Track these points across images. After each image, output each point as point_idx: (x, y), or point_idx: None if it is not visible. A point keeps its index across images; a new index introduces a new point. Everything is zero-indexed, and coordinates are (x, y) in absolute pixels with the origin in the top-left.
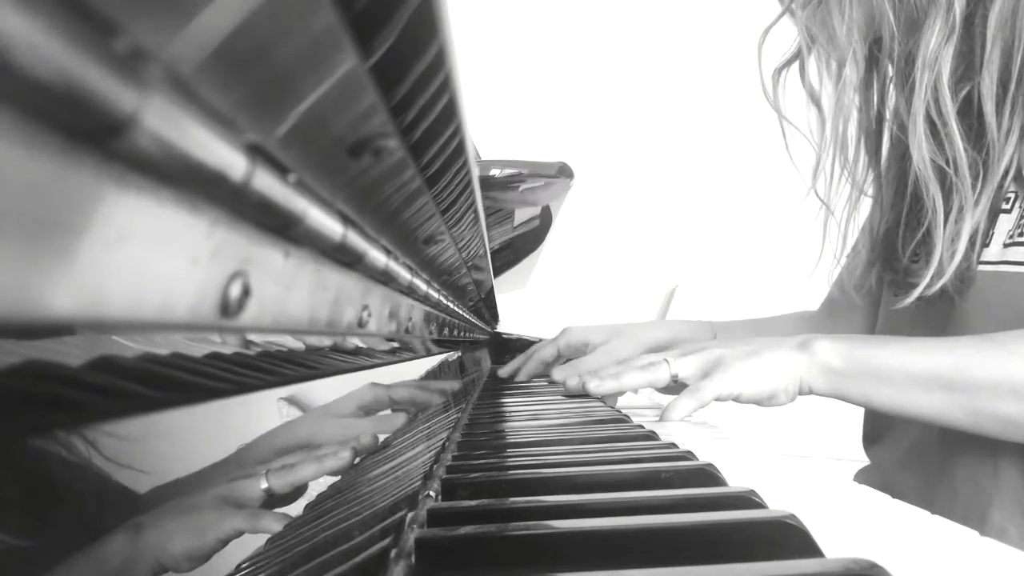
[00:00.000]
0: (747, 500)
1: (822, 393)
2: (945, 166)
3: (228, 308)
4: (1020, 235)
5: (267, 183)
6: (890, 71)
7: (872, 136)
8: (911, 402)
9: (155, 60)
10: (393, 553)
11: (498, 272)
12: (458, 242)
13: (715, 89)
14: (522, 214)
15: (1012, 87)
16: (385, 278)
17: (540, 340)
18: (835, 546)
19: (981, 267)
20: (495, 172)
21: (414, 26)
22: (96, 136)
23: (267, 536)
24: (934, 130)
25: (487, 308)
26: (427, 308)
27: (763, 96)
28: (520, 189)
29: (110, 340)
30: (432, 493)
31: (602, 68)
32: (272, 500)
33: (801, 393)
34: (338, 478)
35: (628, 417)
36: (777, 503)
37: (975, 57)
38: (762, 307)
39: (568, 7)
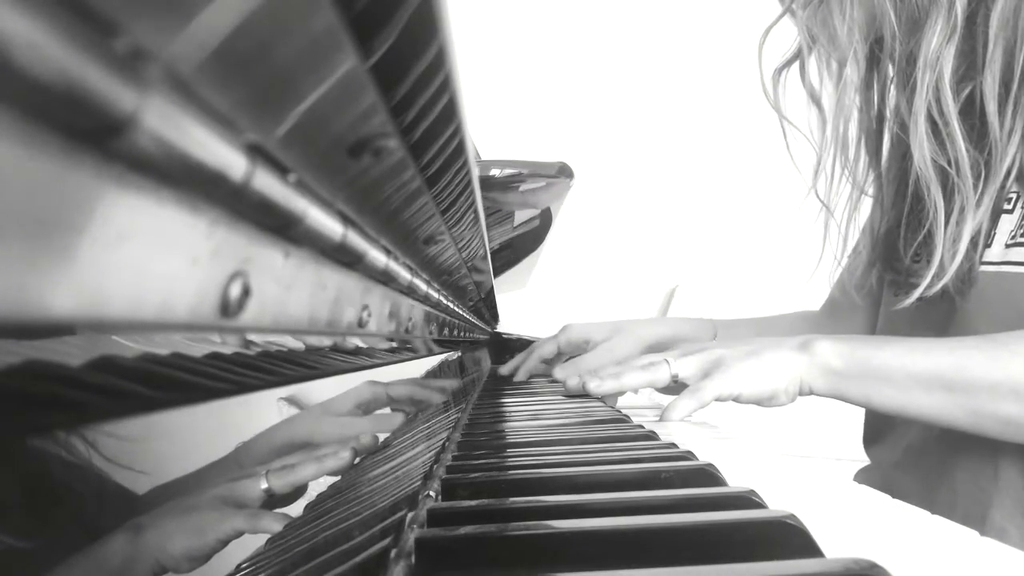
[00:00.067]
0: (747, 500)
1: (822, 393)
2: (947, 166)
3: (228, 308)
4: (1022, 235)
5: (267, 183)
6: (891, 71)
7: (872, 136)
8: (912, 403)
9: (155, 60)
10: (393, 553)
11: (498, 272)
12: (458, 242)
13: (715, 89)
14: (522, 214)
15: (1014, 87)
16: (385, 278)
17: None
18: (835, 546)
19: (983, 267)
20: (495, 172)
21: (414, 26)
22: (96, 136)
23: (267, 536)
24: (936, 130)
25: (487, 308)
26: (427, 308)
27: (763, 96)
28: (520, 189)
29: (110, 340)
30: (432, 493)
31: (602, 68)
32: (272, 500)
33: (801, 393)
34: (338, 478)
35: (628, 417)
36: (777, 503)
37: (977, 57)
38: (762, 307)
39: (568, 7)
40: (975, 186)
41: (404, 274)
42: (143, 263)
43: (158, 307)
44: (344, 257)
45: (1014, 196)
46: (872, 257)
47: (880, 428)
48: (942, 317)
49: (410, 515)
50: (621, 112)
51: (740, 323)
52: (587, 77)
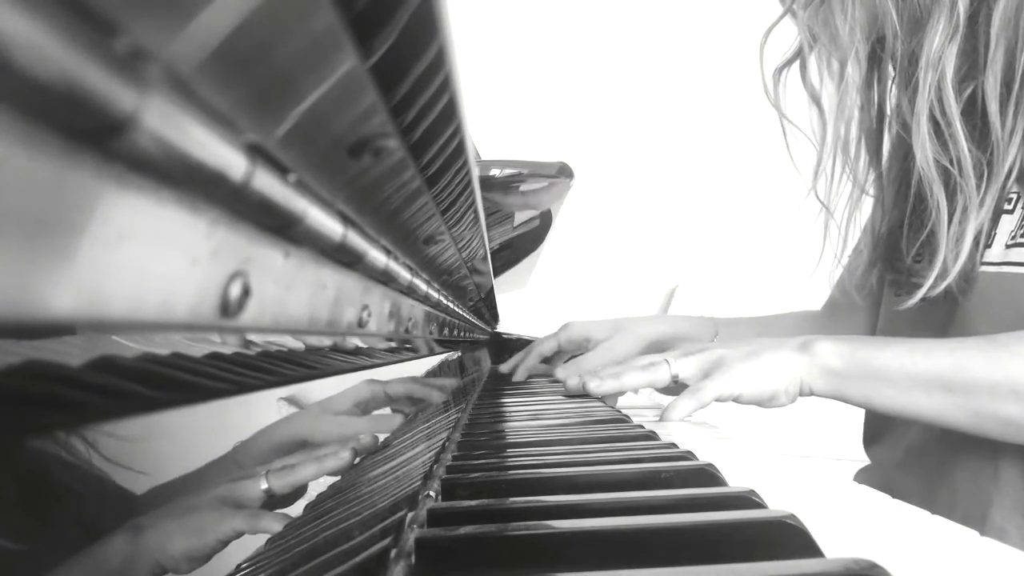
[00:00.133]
0: (747, 500)
1: (822, 394)
2: (949, 166)
3: (228, 308)
4: (1022, 236)
5: (267, 183)
6: (892, 71)
7: (873, 135)
8: (912, 403)
9: (155, 60)
10: (393, 553)
11: (498, 272)
12: (458, 242)
13: (715, 89)
14: (522, 214)
15: (1016, 87)
16: (385, 278)
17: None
18: (835, 546)
19: (983, 268)
20: (495, 172)
21: (414, 26)
22: (96, 136)
23: (267, 536)
24: (938, 130)
25: (487, 308)
26: (427, 308)
27: (763, 96)
28: (520, 189)
29: (110, 340)
30: (432, 493)
31: (602, 68)
32: (272, 501)
33: (802, 394)
34: (338, 478)
35: (628, 417)
36: (777, 503)
37: (978, 56)
38: (762, 307)
39: (568, 7)
40: (978, 186)
41: (404, 274)
42: (143, 263)
43: (158, 307)
44: (344, 257)
45: (1014, 196)
46: (873, 257)
47: (880, 428)
48: (943, 318)
49: (410, 515)
50: (621, 112)
51: (741, 322)
52: (587, 77)
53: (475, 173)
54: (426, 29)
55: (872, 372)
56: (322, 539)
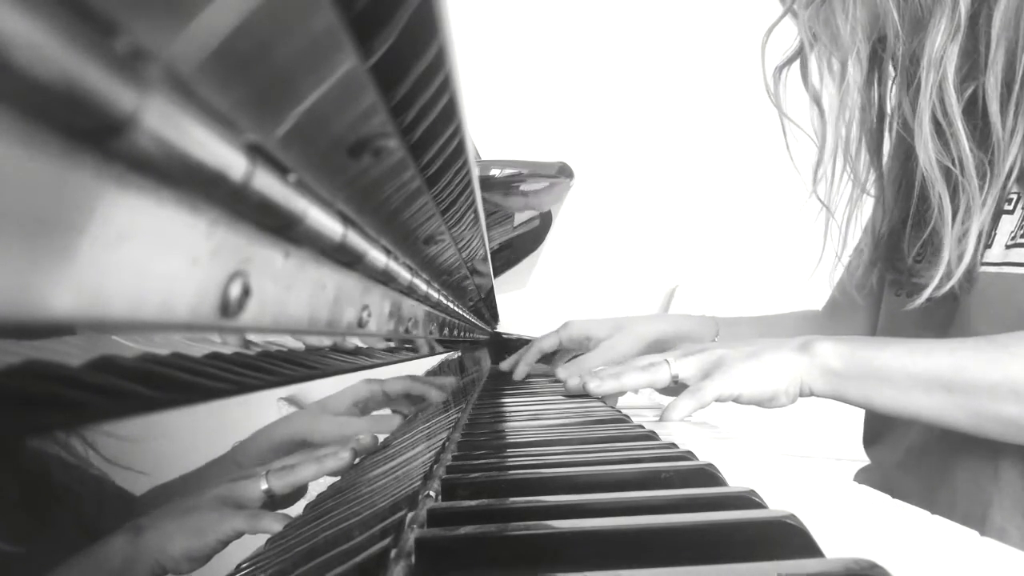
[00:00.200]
0: (747, 500)
1: (823, 394)
2: (951, 166)
3: (228, 308)
4: (1022, 236)
5: (267, 183)
6: (892, 70)
7: (873, 135)
8: (912, 404)
9: (155, 60)
10: (393, 553)
11: (498, 272)
12: (458, 242)
13: (715, 89)
14: (522, 214)
15: (1016, 87)
16: (385, 278)
17: None
18: (835, 546)
19: (983, 268)
20: (495, 172)
21: (414, 26)
22: (96, 136)
23: (267, 536)
24: (939, 130)
25: (487, 308)
26: (427, 308)
27: (764, 96)
28: (520, 189)
29: (110, 340)
30: (432, 493)
31: (602, 68)
32: (272, 501)
33: (802, 394)
34: (338, 478)
35: (628, 417)
36: (777, 503)
37: (979, 56)
38: (762, 307)
39: (568, 7)
40: (980, 186)
41: (404, 274)
42: (143, 263)
43: (158, 307)
44: (344, 257)
45: (1015, 197)
46: (874, 256)
47: (880, 428)
48: (943, 318)
49: (410, 515)
50: (621, 112)
51: (742, 321)
52: (587, 77)
53: (475, 173)
54: (426, 29)
55: (872, 372)
56: (322, 539)
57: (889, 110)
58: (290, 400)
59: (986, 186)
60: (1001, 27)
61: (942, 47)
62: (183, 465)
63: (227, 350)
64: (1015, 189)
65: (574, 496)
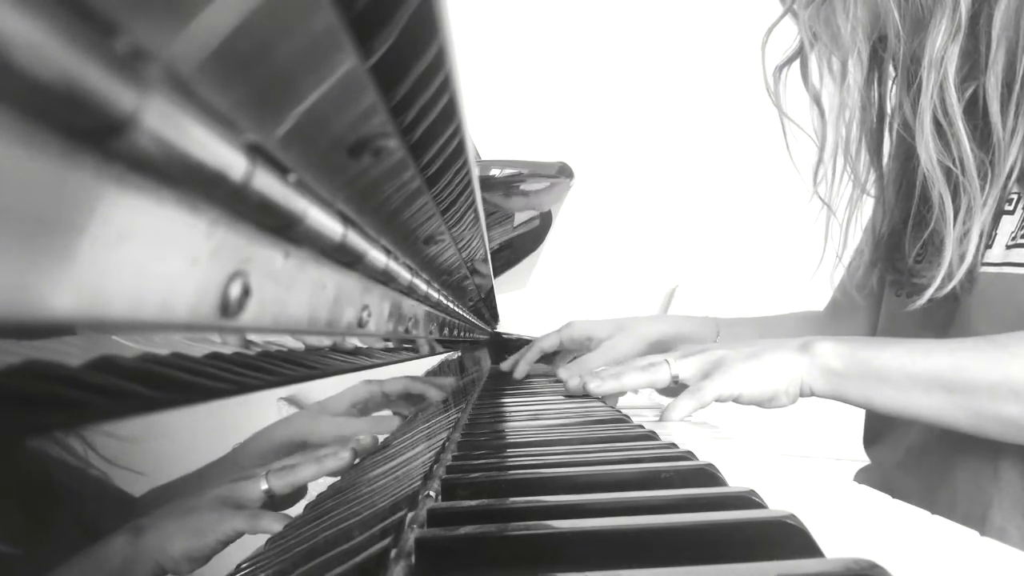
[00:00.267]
0: (747, 500)
1: (823, 395)
2: (952, 166)
3: (228, 308)
4: (1023, 236)
5: (267, 183)
6: (892, 70)
7: (874, 135)
8: (912, 404)
9: (155, 60)
10: (393, 553)
11: (498, 272)
12: (458, 242)
13: (716, 89)
14: (522, 214)
15: (1017, 87)
16: (385, 278)
17: None
18: (835, 546)
19: (984, 268)
20: (495, 172)
21: (414, 26)
22: (96, 136)
23: (267, 536)
24: (940, 130)
25: (487, 308)
26: (427, 308)
27: (764, 96)
28: (520, 189)
29: (110, 340)
30: (432, 493)
31: (602, 68)
32: (272, 501)
33: (802, 395)
34: (338, 478)
35: (628, 417)
36: (777, 503)
37: (980, 57)
38: (762, 307)
39: (568, 7)
40: (981, 187)
41: (404, 274)
42: (143, 263)
43: (158, 307)
44: (344, 257)
45: (1015, 197)
46: (874, 257)
47: (880, 428)
48: (943, 318)
49: (410, 515)
50: (621, 112)
51: (743, 322)
52: (587, 77)
53: (475, 173)
54: (426, 29)
55: (872, 372)
56: (322, 539)
57: (889, 110)
58: (290, 400)
59: (987, 186)
60: (1002, 27)
61: (943, 47)
62: (183, 465)
63: (227, 350)
64: (1015, 189)
65: (574, 496)
